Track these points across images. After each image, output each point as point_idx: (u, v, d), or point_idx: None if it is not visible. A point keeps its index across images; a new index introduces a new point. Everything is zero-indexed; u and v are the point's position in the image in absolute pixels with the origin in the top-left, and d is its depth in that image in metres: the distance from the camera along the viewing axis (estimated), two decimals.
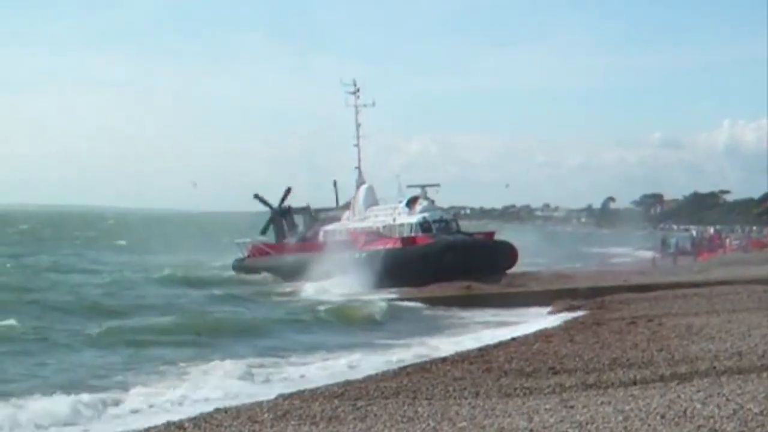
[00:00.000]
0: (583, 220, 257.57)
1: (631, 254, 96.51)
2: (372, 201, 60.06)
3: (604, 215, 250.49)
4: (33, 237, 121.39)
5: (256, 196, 66.03)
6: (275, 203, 65.48)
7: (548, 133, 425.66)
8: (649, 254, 79.69)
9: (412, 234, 54.37)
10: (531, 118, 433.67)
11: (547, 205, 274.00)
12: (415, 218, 55.30)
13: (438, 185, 59.76)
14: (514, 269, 53.43)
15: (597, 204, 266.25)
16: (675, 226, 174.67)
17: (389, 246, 53.92)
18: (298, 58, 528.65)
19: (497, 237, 57.97)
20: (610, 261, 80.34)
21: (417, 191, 57.37)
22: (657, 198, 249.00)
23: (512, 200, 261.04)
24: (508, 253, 53.67)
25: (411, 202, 56.65)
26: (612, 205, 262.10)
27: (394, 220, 56.39)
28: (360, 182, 61.78)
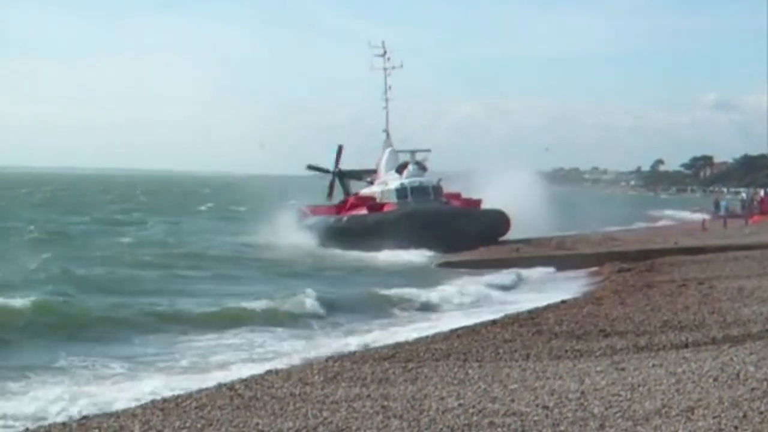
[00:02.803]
0: (632, 182, 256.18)
1: (680, 217, 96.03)
2: (394, 165, 59.42)
3: (653, 178, 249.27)
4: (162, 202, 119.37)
5: (309, 167, 65.35)
6: (329, 168, 65.11)
7: (598, 96, 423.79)
8: (699, 217, 79.15)
9: (390, 200, 54.63)
10: (581, 81, 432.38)
11: (595, 168, 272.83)
12: (394, 184, 55.47)
13: (429, 150, 60.04)
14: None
15: (646, 166, 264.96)
16: (725, 189, 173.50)
17: (357, 213, 54.82)
18: (346, 23, 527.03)
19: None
20: (659, 224, 79.95)
21: (407, 156, 57.83)
22: (707, 160, 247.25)
23: (561, 163, 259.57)
24: (490, 222, 52.56)
25: (401, 168, 56.79)
26: (661, 168, 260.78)
27: (386, 185, 56.60)
28: (387, 146, 61.36)
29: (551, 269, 40.89)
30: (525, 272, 39.57)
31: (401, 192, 54.53)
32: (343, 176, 63.92)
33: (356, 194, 61.59)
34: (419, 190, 54.52)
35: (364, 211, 54.69)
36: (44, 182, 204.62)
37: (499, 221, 53.06)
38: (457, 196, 56.83)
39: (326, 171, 64.05)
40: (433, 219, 50.67)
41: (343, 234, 52.91)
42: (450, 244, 48.12)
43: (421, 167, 57.26)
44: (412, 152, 58.22)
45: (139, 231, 67.71)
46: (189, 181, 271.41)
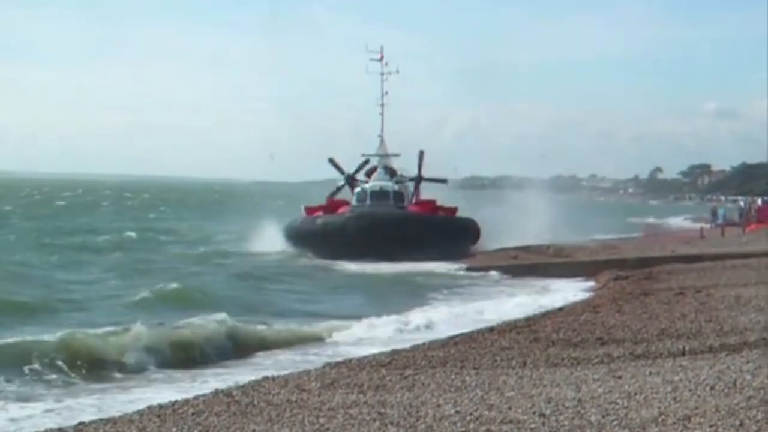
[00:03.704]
0: (630, 190, 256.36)
1: (678, 225, 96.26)
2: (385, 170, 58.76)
3: (651, 185, 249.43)
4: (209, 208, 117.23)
5: (331, 160, 64.03)
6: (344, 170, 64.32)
7: (599, 104, 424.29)
8: (696, 225, 79.30)
9: (352, 203, 54.45)
10: (582, 88, 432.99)
11: (593, 176, 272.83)
12: (358, 188, 55.59)
13: (398, 155, 59.97)
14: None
15: (645, 174, 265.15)
16: (723, 197, 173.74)
17: (313, 215, 54.54)
18: (351, 28, 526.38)
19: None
20: (657, 232, 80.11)
21: (377, 160, 58.00)
22: (705, 168, 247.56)
23: (559, 170, 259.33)
24: (451, 230, 51.47)
25: (370, 172, 56.84)
26: (659, 176, 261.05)
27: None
28: (381, 151, 60.67)
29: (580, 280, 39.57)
30: None
31: (361, 195, 54.54)
32: (353, 183, 63.20)
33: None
34: (378, 194, 54.15)
35: (319, 213, 54.56)
36: (57, 188, 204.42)
37: (463, 230, 52.35)
38: (429, 203, 56.35)
39: (341, 172, 62.90)
40: (379, 222, 50.10)
41: (298, 236, 52.91)
42: (396, 248, 47.40)
43: (390, 171, 56.99)
44: (382, 156, 58.16)
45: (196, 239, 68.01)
46: (194, 187, 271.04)
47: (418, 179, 59.96)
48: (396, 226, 49.91)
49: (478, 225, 52.90)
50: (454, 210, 55.62)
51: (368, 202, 53.63)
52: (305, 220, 54.01)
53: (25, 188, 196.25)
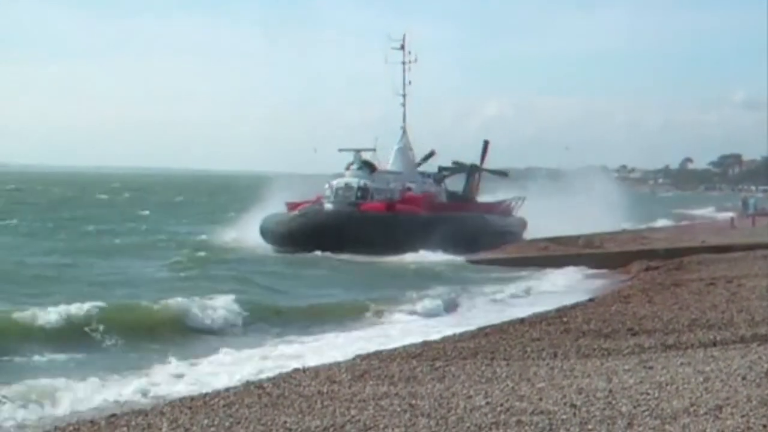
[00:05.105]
0: (660, 181, 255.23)
1: (709, 215, 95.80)
2: (402, 163, 58.48)
3: (681, 176, 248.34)
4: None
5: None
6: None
7: (628, 94, 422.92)
8: (727, 215, 78.89)
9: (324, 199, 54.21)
10: (611, 79, 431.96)
11: (623, 167, 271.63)
12: (326, 184, 55.05)
13: (373, 150, 57.88)
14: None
15: (675, 165, 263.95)
16: (753, 187, 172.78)
17: (285, 211, 54.29)
18: (379, 21, 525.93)
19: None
20: (687, 222, 79.77)
21: (351, 155, 56.58)
22: (735, 158, 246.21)
23: (589, 161, 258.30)
24: (406, 228, 49.47)
25: (347, 168, 56.16)
26: (689, 166, 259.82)
27: None
28: (402, 143, 59.70)
29: None
30: None
31: (328, 191, 54.24)
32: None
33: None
34: (343, 189, 53.71)
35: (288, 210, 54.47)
36: (87, 182, 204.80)
37: (416, 229, 49.62)
38: (412, 199, 54.84)
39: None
40: (317, 222, 50.50)
41: (262, 233, 52.79)
42: (334, 245, 47.65)
43: (367, 167, 55.68)
44: (357, 151, 56.52)
45: None
46: (218, 179, 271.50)
47: (472, 169, 61.26)
48: (333, 225, 49.82)
49: (454, 224, 51.10)
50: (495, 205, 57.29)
51: (332, 198, 53.51)
52: (267, 218, 53.59)
53: (90, 184, 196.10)
